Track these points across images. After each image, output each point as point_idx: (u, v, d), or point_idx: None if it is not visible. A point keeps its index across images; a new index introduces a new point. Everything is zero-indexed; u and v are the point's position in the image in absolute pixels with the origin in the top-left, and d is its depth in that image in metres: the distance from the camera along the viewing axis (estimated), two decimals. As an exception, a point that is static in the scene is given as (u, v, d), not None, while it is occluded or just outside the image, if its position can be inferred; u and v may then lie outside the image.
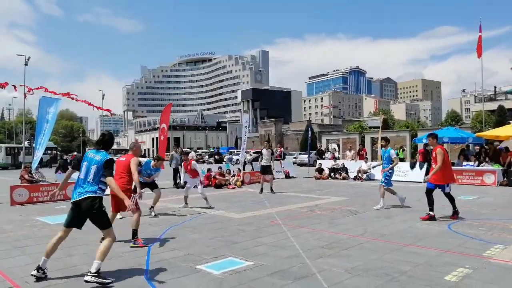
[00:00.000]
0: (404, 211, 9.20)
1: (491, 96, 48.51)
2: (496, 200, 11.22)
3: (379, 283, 4.28)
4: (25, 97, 15.10)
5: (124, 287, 4.24)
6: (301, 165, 34.39)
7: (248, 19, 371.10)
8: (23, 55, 26.09)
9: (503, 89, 50.28)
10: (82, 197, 4.60)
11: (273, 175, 14.14)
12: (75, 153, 54.01)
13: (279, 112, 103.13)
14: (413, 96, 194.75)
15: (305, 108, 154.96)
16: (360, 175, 18.53)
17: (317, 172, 20.07)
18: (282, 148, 31.15)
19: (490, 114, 32.99)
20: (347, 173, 19.37)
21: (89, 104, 16.43)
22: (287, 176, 20.72)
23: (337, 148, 38.60)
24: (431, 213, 8.07)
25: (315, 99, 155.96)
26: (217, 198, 12.36)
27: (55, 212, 9.78)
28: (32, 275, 4.50)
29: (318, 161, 22.65)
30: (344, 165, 20.00)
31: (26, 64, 25.80)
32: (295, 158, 37.85)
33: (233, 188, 15.47)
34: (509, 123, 22.88)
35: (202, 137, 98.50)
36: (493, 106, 38.11)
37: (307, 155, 29.54)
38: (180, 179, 16.21)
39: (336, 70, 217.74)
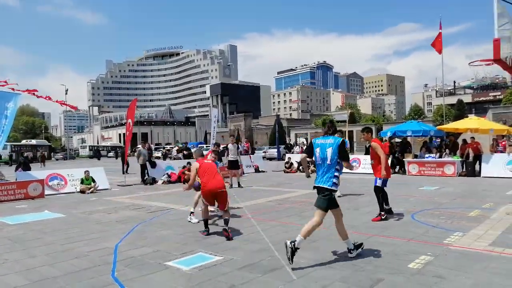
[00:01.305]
0: (371, 203, 9.45)
1: (451, 90, 50.53)
2: (456, 190, 11.73)
3: (346, 273, 4.39)
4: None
5: (91, 287, 4.13)
6: (271, 159, 34.62)
7: (216, 13, 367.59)
8: (-22, 48, 24.76)
9: (462, 84, 52.54)
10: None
11: (242, 169, 14.15)
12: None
13: (248, 107, 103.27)
14: (379, 90, 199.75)
15: (274, 102, 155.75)
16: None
17: (286, 166, 20.26)
18: (248, 143, 31.19)
19: (450, 108, 34.36)
20: (315, 166, 19.64)
21: (57, 101, 15.83)
22: (257, 170, 20.81)
23: (305, 142, 39.11)
24: (382, 212, 7.50)
25: (284, 93, 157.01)
26: (186, 193, 12.24)
27: (16, 212, 9.39)
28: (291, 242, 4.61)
29: (287, 155, 22.86)
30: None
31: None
32: (264, 152, 38.04)
33: (203, 183, 15.35)
34: (467, 116, 23.91)
35: (171, 132, 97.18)
36: (453, 100, 39.71)
37: (276, 150, 29.72)
38: (148, 175, 15.95)
39: (304, 65, 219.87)
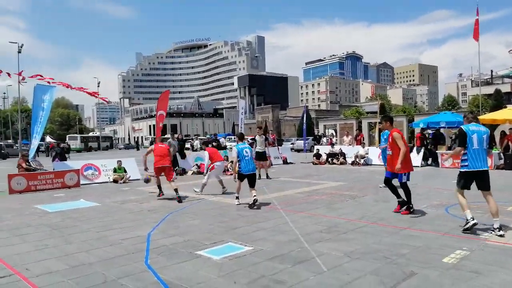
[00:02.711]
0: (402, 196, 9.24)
1: (488, 80, 48.41)
2: (493, 183, 11.22)
3: (378, 265, 4.32)
4: (19, 83, 14.94)
5: (125, 273, 4.26)
6: (299, 151, 34.43)
7: (243, 5, 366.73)
8: (16, 42, 25.77)
9: (500, 73, 50.18)
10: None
11: (270, 161, 14.13)
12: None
13: (276, 98, 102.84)
14: (410, 81, 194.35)
15: (302, 94, 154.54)
16: (357, 160, 18.57)
17: (314, 158, 20.11)
18: (274, 135, 31.08)
19: (487, 98, 33.02)
20: (344, 158, 19.41)
21: (88, 92, 16.29)
22: (285, 162, 20.76)
23: (334, 134, 38.62)
24: (399, 200, 7.30)
25: (312, 84, 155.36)
26: (215, 184, 12.40)
27: (54, 200, 9.79)
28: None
29: (316, 147, 22.66)
30: (341, 150, 20.03)
31: (19, 52, 25.50)
32: (292, 144, 37.87)
33: (231, 174, 15.46)
34: (506, 107, 22.89)
35: (199, 124, 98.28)
36: (490, 90, 38.10)
37: (304, 141, 29.55)
38: (178, 166, 16.21)
39: (333, 55, 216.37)
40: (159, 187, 9.73)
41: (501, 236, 5.36)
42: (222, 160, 10.94)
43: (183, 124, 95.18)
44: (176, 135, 18.09)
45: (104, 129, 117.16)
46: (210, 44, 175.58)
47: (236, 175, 8.49)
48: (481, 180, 5.78)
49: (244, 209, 7.91)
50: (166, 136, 43.94)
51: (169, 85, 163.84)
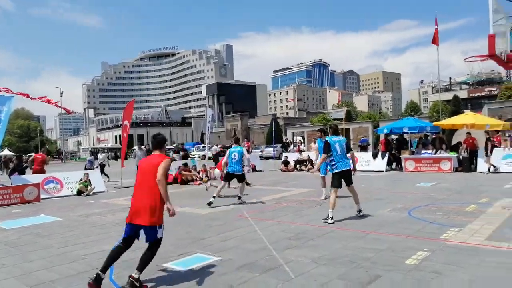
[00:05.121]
0: (367, 200, 9.46)
1: (447, 86, 50.60)
2: (452, 185, 11.78)
3: (344, 270, 4.40)
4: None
5: (88, 289, 4.10)
6: (267, 158, 34.61)
7: (211, 13, 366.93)
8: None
9: (458, 79, 52.67)
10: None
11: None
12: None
13: (245, 106, 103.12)
14: (375, 88, 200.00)
15: (270, 101, 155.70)
16: (315, 170, 18.81)
17: (283, 165, 20.27)
18: (249, 142, 31.19)
19: (446, 104, 34.47)
20: (312, 164, 19.66)
21: (48, 101, 15.78)
22: (254, 169, 20.80)
23: (302, 141, 39.14)
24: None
25: (280, 92, 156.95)
26: (183, 194, 12.24)
27: (11, 216, 9.34)
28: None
29: (284, 154, 22.87)
30: (309, 157, 20.31)
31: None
32: (261, 151, 38.03)
33: (199, 184, 15.36)
34: (463, 112, 24.00)
35: (167, 133, 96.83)
36: (449, 96, 39.80)
37: (273, 149, 29.76)
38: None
39: (300, 63, 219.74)
40: None
41: (361, 216, 7.27)
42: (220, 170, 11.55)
43: (150, 133, 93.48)
44: (143, 146, 17.78)
45: (67, 140, 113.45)
46: (178, 53, 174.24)
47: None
48: (347, 177, 7.19)
49: (212, 219, 7.85)
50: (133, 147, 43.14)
51: (136, 94, 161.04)
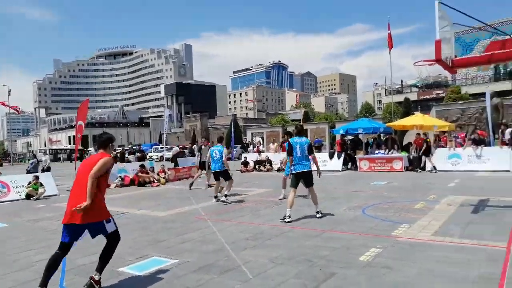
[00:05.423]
0: (323, 199, 9.69)
1: (399, 89, 52.87)
2: (403, 184, 12.34)
3: (301, 269, 4.49)
4: None
5: (37, 298, 3.93)
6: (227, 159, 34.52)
7: (171, 12, 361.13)
8: None
9: (409, 82, 55.11)
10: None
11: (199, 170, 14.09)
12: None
13: (204, 107, 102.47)
14: (332, 89, 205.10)
15: (230, 102, 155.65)
16: (283, 166, 19.10)
17: (242, 166, 20.33)
18: (209, 143, 30.97)
19: (398, 106, 36.00)
20: (271, 165, 19.89)
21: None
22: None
23: (261, 141, 39.40)
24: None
25: (240, 93, 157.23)
26: (140, 196, 11.98)
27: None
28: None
29: (243, 155, 22.94)
30: (268, 157, 20.51)
31: None
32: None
33: (157, 185, 15.09)
34: (413, 114, 25.19)
35: (124, 134, 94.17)
36: (401, 98, 41.60)
37: (232, 149, 29.73)
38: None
39: (260, 64, 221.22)
40: None
41: (320, 216, 7.26)
42: None
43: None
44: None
45: (15, 141, 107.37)
46: (135, 52, 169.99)
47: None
48: (306, 179, 7.21)
49: (169, 221, 7.74)
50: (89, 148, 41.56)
51: (91, 93, 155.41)
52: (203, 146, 14.05)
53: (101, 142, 4.36)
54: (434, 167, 15.54)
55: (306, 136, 10.68)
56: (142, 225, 7.50)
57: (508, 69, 43.57)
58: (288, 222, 6.92)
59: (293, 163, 7.18)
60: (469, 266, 4.33)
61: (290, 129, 38.47)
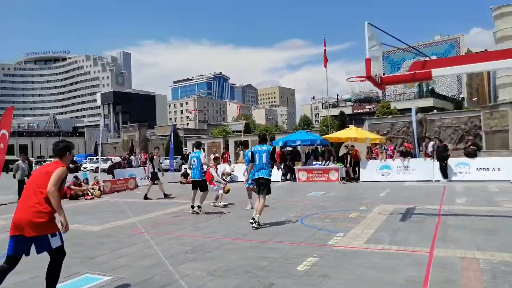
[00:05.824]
0: (264, 210, 9.81)
1: (335, 103, 55.31)
2: (338, 194, 12.87)
3: (239, 281, 4.50)
4: None
5: None
6: (166, 170, 33.72)
7: (109, 18, 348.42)
8: None
9: (344, 97, 57.95)
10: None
11: (136, 181, 13.73)
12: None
13: (143, 117, 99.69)
14: (272, 102, 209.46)
15: (170, 112, 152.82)
16: (224, 177, 19.06)
17: (182, 177, 19.97)
18: (146, 154, 30.11)
19: (334, 119, 37.56)
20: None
21: None
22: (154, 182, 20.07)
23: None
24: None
25: (180, 103, 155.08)
26: (72, 210, 11.29)
27: None
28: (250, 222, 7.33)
29: (184, 166, 22.56)
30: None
31: None
32: (160, 163, 36.87)
33: (91, 198, 14.33)
34: (348, 127, 26.47)
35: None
36: (337, 111, 43.50)
37: (171, 160, 29.11)
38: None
39: (201, 75, 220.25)
40: None
41: (255, 227, 7.34)
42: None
43: (36, 144, 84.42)
44: (27, 159, 16.01)
45: None
46: (69, 58, 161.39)
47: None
48: (260, 185, 7.62)
49: (103, 236, 7.38)
50: (14, 158, 38.54)
51: (18, 100, 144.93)
52: (154, 157, 14.07)
53: (58, 151, 4.09)
54: (445, 176, 15.40)
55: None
56: (74, 240, 7.05)
57: (430, 87, 47.47)
58: (256, 228, 7.30)
59: (253, 170, 7.70)
60: (396, 271, 4.62)
61: (232, 140, 38.72)
